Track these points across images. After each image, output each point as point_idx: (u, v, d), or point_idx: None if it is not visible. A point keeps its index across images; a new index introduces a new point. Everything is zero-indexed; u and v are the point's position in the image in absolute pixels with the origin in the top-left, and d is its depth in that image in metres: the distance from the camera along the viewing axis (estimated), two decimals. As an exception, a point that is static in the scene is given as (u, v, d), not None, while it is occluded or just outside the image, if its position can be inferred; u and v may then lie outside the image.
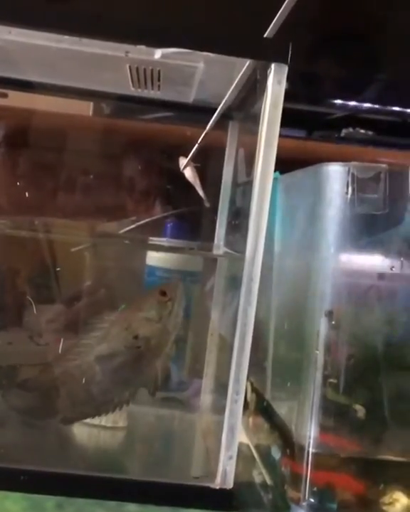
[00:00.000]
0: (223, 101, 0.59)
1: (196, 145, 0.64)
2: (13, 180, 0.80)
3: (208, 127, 0.62)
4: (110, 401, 0.55)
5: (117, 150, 0.80)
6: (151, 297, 0.56)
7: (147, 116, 0.87)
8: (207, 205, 0.67)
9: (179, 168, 0.67)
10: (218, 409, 0.53)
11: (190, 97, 0.63)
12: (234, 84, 0.55)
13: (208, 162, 0.72)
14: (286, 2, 0.49)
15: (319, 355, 0.48)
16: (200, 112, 0.64)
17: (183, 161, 0.65)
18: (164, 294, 0.56)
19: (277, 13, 0.50)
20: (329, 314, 0.47)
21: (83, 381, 0.55)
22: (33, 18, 0.46)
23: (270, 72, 0.47)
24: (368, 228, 0.48)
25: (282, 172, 0.60)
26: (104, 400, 0.55)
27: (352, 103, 1.00)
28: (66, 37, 0.47)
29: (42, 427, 0.56)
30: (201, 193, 0.66)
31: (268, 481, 0.55)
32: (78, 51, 0.49)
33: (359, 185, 0.47)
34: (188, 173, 0.65)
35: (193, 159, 0.65)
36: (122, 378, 0.55)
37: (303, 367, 0.50)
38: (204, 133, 0.62)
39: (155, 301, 0.56)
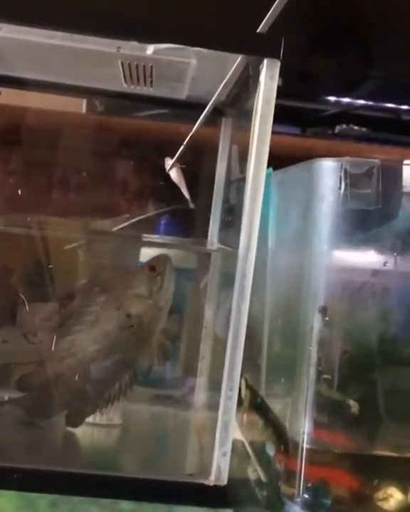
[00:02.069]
0: (214, 97, 0.59)
1: (182, 146, 0.63)
2: (5, 178, 0.80)
3: (197, 124, 0.61)
4: (112, 387, 0.54)
5: (111, 147, 0.80)
6: (140, 274, 0.55)
7: (141, 114, 0.87)
8: (192, 206, 0.67)
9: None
10: (213, 406, 0.53)
11: (183, 93, 0.63)
12: (226, 80, 0.55)
13: (202, 159, 0.72)
14: (279, -2, 0.49)
15: (313, 351, 0.48)
16: (193, 108, 0.64)
17: (169, 162, 0.65)
18: (152, 269, 0.55)
19: (270, 8, 0.50)
20: (323, 310, 0.47)
21: (82, 370, 0.54)
22: (25, 15, 0.45)
23: (262, 67, 0.47)
24: (361, 224, 0.48)
25: (276, 168, 0.60)
26: (105, 387, 0.54)
27: (346, 100, 0.99)
28: (58, 33, 0.47)
29: (38, 425, 0.56)
30: (186, 194, 0.66)
31: (263, 478, 0.55)
32: (70, 47, 0.49)
33: (352, 180, 0.47)
34: (174, 174, 0.65)
35: (183, 158, 0.65)
36: (120, 360, 0.55)
37: (297, 363, 0.50)
38: (193, 131, 0.62)
39: (144, 277, 0.55)
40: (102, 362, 0.54)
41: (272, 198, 0.60)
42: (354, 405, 0.48)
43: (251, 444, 0.61)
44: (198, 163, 0.73)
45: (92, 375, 0.55)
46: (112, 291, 0.57)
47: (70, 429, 0.56)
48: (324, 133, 0.97)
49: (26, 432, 0.55)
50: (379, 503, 0.47)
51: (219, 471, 0.50)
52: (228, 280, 0.53)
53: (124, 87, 0.62)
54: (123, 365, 0.55)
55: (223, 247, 0.63)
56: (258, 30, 0.50)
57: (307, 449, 0.48)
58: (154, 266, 0.55)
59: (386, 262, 0.48)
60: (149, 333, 0.55)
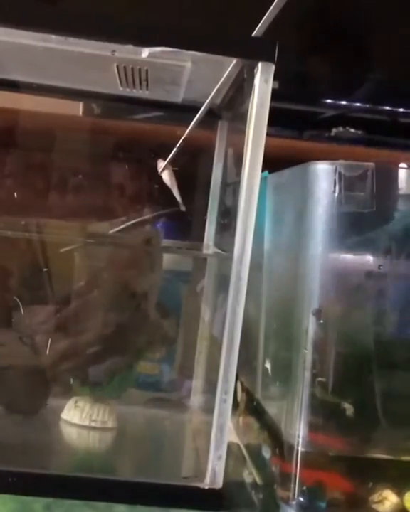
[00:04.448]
0: (207, 101, 0.59)
1: (175, 149, 0.63)
2: (2, 181, 0.80)
3: (190, 127, 0.61)
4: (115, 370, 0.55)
5: (107, 150, 0.80)
6: (137, 251, 0.55)
7: (138, 116, 0.87)
8: (183, 208, 0.67)
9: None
10: (208, 409, 0.53)
11: (179, 96, 0.63)
12: (220, 84, 0.55)
13: (198, 162, 0.72)
14: (276, 1, 0.49)
15: (308, 354, 0.48)
16: (189, 111, 0.64)
17: (161, 164, 0.65)
18: (149, 242, 0.55)
19: (266, 12, 0.50)
20: (317, 313, 0.47)
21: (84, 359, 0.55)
22: (19, 18, 0.45)
23: (257, 71, 0.47)
24: (356, 226, 0.48)
25: (273, 171, 0.60)
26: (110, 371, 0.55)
27: (343, 102, 1.00)
28: (53, 36, 0.47)
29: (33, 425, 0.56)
30: (177, 196, 0.66)
31: (258, 481, 0.55)
32: (65, 50, 0.49)
33: (347, 183, 0.47)
34: (166, 177, 0.65)
35: (178, 160, 0.65)
36: (127, 339, 0.54)
37: (292, 366, 0.50)
38: (185, 133, 0.62)
39: (145, 254, 0.54)
40: (109, 344, 0.54)
41: (267, 200, 0.60)
42: (348, 408, 0.48)
43: (247, 446, 0.61)
44: (195, 166, 0.73)
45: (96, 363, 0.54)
46: (108, 274, 0.56)
47: (63, 431, 0.56)
48: (320, 136, 0.97)
49: (20, 434, 0.55)
50: (374, 506, 0.47)
51: (214, 474, 0.50)
52: (224, 283, 0.53)
53: (120, 90, 0.62)
54: (128, 344, 0.55)
55: (218, 251, 0.63)
56: (253, 34, 0.50)
57: (302, 451, 0.48)
58: (150, 239, 0.55)
59: (380, 265, 0.48)
60: (149, 306, 0.54)
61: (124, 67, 0.54)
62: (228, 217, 0.63)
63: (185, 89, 0.60)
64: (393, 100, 0.99)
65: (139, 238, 0.56)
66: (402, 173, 0.49)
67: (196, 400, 0.67)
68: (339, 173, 0.47)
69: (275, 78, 0.48)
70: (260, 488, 0.53)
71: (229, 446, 0.50)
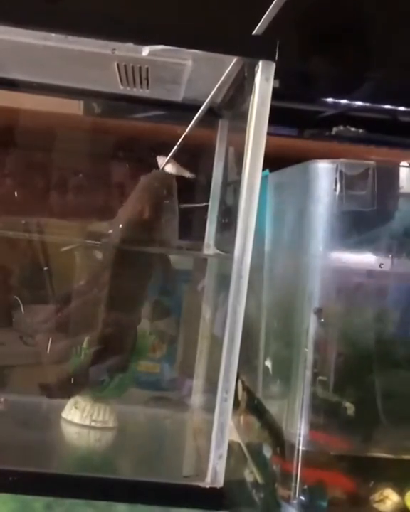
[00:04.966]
0: (207, 99, 0.59)
1: (175, 146, 0.63)
2: (2, 180, 0.80)
3: (190, 125, 0.61)
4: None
5: (108, 149, 0.80)
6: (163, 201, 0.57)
7: (138, 115, 0.87)
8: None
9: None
10: (209, 408, 0.53)
11: (179, 95, 0.63)
12: (220, 82, 0.55)
13: (199, 161, 0.72)
14: (276, 0, 0.49)
15: (309, 353, 0.48)
16: (190, 110, 0.64)
17: (161, 162, 0.65)
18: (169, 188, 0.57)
19: (267, 10, 0.50)
20: (318, 312, 0.47)
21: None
22: (19, 16, 0.45)
23: (257, 69, 0.47)
24: (357, 225, 0.48)
25: (274, 170, 0.60)
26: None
27: (344, 101, 1.00)
28: (53, 35, 0.47)
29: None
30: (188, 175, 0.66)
31: (259, 480, 0.55)
32: (65, 49, 0.49)
33: (347, 182, 0.47)
34: (171, 168, 0.65)
35: (179, 159, 0.65)
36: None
37: (293, 365, 0.50)
38: (186, 132, 0.62)
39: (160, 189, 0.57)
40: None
41: (268, 199, 0.60)
42: (349, 407, 0.47)
43: (248, 445, 0.61)
44: (196, 165, 0.73)
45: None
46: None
47: (63, 431, 0.56)
48: (321, 134, 0.97)
49: (20, 434, 0.55)
50: (375, 505, 0.47)
51: (215, 473, 0.50)
52: (224, 282, 0.53)
53: (121, 89, 0.62)
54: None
55: (218, 252, 0.63)
56: (254, 32, 0.50)
57: (303, 451, 0.48)
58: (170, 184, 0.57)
59: (381, 264, 0.48)
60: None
61: (125, 66, 0.54)
62: (228, 216, 0.62)
63: (185, 87, 0.60)
64: (393, 99, 0.99)
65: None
66: (403, 172, 0.49)
67: (196, 399, 0.67)
68: (340, 172, 0.47)
69: (275, 77, 0.48)
70: (261, 487, 0.53)
71: (230, 445, 0.50)
